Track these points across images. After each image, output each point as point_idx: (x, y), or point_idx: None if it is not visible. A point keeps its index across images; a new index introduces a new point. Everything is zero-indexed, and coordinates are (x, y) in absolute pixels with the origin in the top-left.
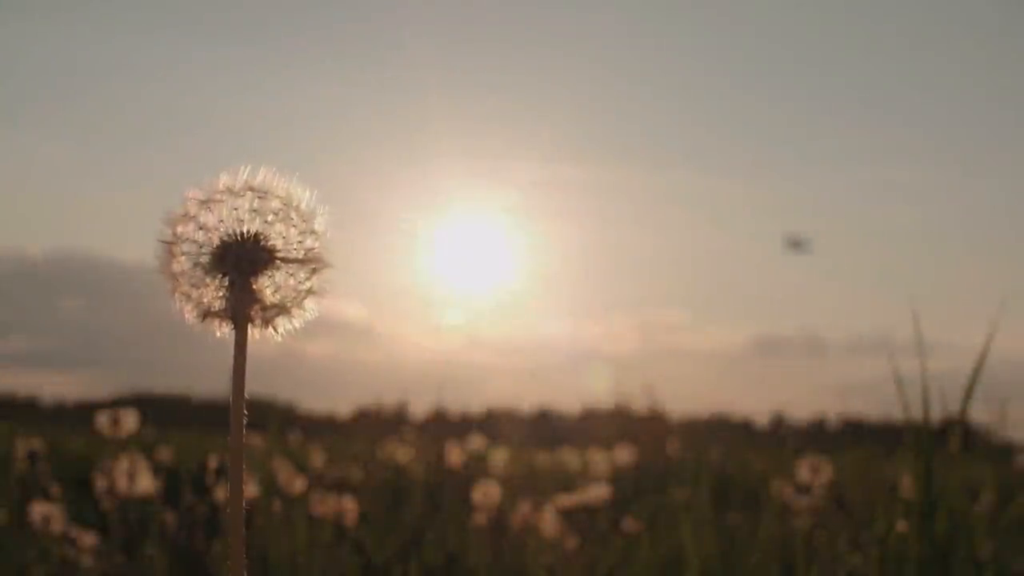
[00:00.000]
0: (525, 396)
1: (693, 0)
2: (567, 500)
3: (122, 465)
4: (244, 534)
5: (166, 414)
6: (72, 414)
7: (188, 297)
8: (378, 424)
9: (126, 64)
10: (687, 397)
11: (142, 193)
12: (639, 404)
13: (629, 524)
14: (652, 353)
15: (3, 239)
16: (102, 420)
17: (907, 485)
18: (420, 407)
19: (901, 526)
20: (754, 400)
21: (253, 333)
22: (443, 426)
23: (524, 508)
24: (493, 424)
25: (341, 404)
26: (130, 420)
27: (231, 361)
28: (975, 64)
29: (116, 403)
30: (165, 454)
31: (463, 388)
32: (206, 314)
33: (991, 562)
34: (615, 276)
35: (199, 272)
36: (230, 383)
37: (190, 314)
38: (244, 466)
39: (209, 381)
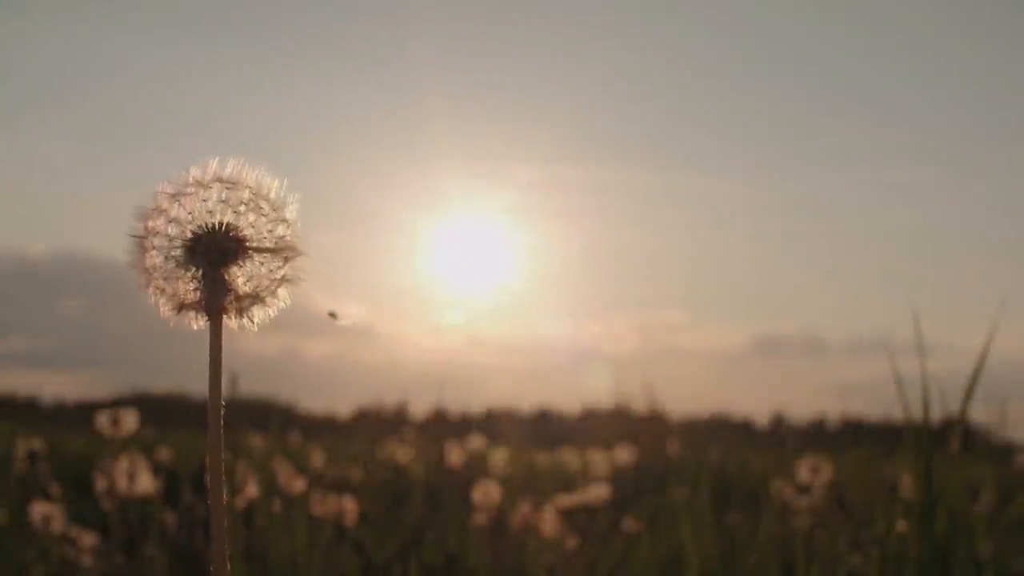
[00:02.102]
0: (525, 396)
1: (693, 1)
2: (567, 500)
3: (122, 465)
4: (226, 526)
5: (166, 414)
6: (72, 414)
7: (162, 291)
8: (378, 424)
9: (126, 64)
10: (687, 397)
11: (142, 193)
12: (639, 404)
13: (629, 524)
14: (652, 353)
15: (3, 239)
16: (102, 420)
17: (907, 485)
18: (420, 407)
19: (901, 526)
20: (754, 400)
21: (228, 324)
22: (443, 426)
23: (524, 508)
24: (493, 424)
25: (341, 404)
26: (130, 420)
27: (207, 353)
28: (975, 64)
29: (116, 403)
30: (165, 454)
31: (463, 388)
32: (181, 307)
33: (991, 562)
34: (615, 276)
35: (171, 265)
36: (207, 376)
37: (165, 308)
38: (223, 459)
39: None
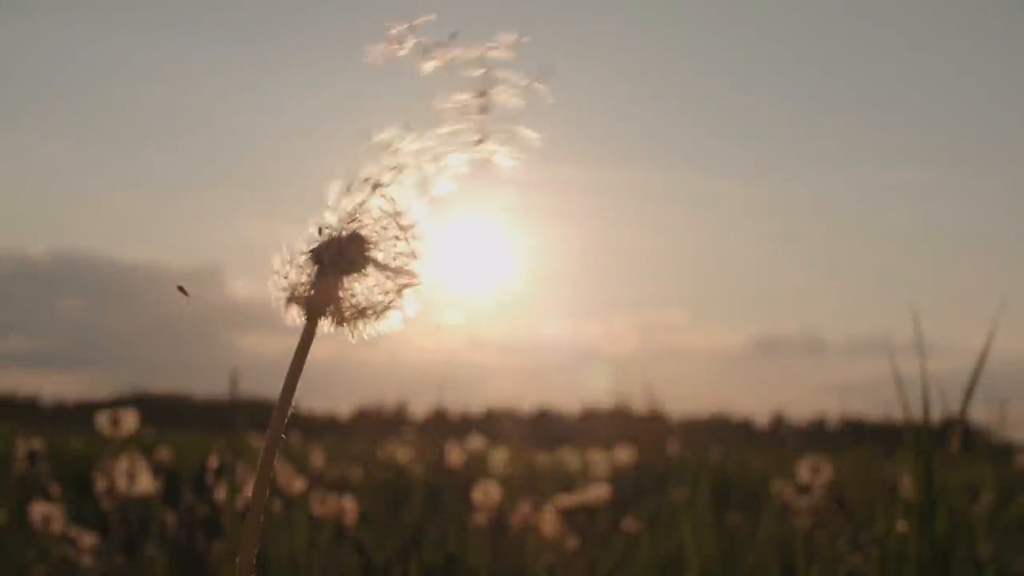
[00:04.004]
0: (525, 396)
1: (693, 1)
2: (567, 500)
3: (122, 465)
4: (259, 531)
5: (166, 414)
6: (72, 414)
7: (284, 278)
8: (378, 424)
9: (126, 64)
10: (687, 397)
11: (142, 193)
12: (639, 404)
13: (629, 524)
14: (652, 353)
15: (3, 239)
16: (102, 420)
17: (907, 485)
18: (420, 407)
19: (901, 526)
20: (754, 400)
21: (324, 330)
22: (443, 426)
23: (524, 508)
24: (493, 424)
25: (341, 404)
26: (130, 420)
27: (292, 351)
28: (975, 64)
29: (116, 403)
30: (165, 454)
31: (463, 388)
32: (289, 299)
33: (991, 562)
34: (615, 276)
35: (303, 258)
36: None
37: (278, 293)
38: (273, 463)
39: (209, 381)
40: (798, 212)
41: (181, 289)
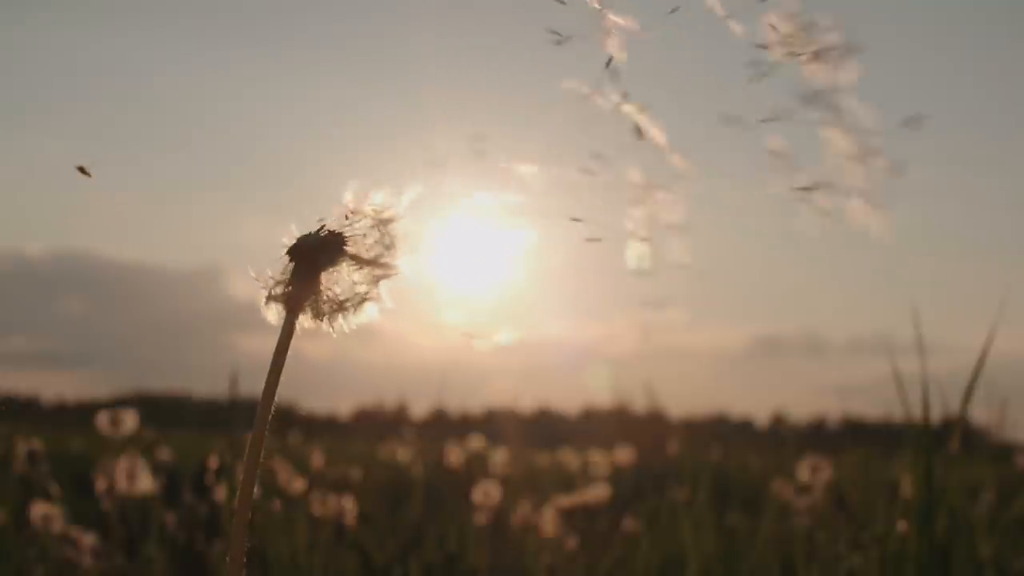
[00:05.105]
0: (525, 396)
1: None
2: (567, 500)
3: (122, 465)
4: (247, 530)
5: (166, 414)
6: (72, 414)
7: (266, 280)
8: (378, 424)
9: (126, 64)
10: (687, 397)
11: (142, 193)
12: (639, 404)
13: (629, 524)
14: (652, 353)
15: (3, 239)
16: (102, 420)
17: (907, 485)
18: (420, 407)
19: (901, 526)
20: (754, 400)
21: (303, 325)
22: (443, 426)
23: (524, 508)
24: (493, 424)
25: (341, 404)
26: (130, 420)
27: (272, 349)
28: (976, 64)
29: (116, 403)
30: (165, 454)
31: (463, 388)
32: (268, 297)
33: (991, 562)
34: (615, 276)
35: (281, 255)
36: (265, 375)
37: (261, 291)
38: (259, 460)
39: (209, 381)
40: (798, 212)
41: (82, 170)
